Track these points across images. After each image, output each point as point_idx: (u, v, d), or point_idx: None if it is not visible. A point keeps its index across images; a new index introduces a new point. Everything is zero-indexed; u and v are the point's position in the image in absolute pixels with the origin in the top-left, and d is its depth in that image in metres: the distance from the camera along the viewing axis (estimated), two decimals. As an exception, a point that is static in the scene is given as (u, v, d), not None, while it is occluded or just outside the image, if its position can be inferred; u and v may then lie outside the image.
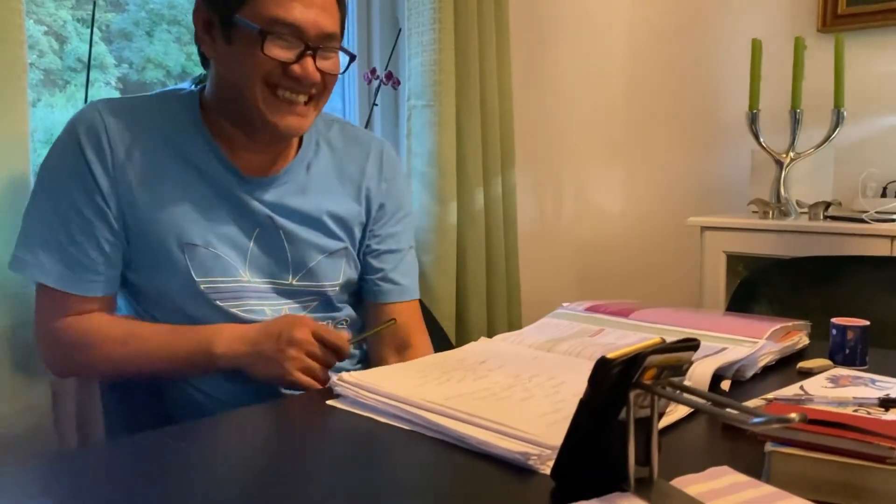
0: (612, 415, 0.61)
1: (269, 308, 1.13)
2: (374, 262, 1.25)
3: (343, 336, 1.06)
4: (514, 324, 2.16)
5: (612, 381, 0.59)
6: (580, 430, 0.62)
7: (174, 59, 2.48)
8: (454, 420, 0.76)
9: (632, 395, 0.60)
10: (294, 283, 1.15)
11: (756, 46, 1.94)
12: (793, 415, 0.49)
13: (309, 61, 1.03)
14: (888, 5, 2.05)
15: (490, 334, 2.06)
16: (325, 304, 1.20)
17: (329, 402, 0.86)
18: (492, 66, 2.01)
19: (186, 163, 1.09)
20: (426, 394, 0.82)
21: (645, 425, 0.62)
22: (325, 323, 1.18)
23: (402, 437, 0.77)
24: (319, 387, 1.00)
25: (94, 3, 1.49)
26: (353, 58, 1.11)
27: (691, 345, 0.62)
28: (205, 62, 1.14)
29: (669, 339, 0.87)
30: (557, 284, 2.53)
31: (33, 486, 0.68)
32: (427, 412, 0.78)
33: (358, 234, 1.22)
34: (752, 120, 1.97)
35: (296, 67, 1.03)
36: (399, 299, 1.26)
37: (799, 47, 1.90)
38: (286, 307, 1.15)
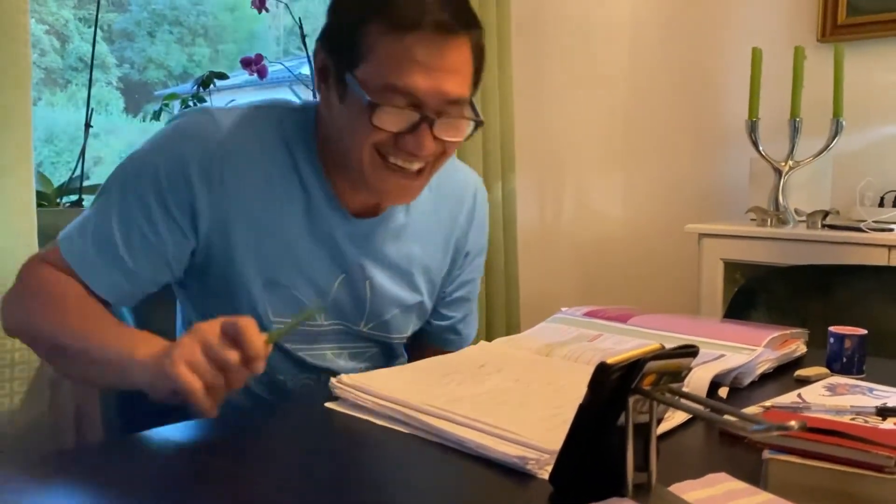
0: (611, 420, 0.61)
1: (330, 351, 1.07)
2: (445, 310, 1.20)
3: (258, 338, 0.79)
4: (512, 327, 2.16)
5: (612, 387, 0.60)
6: (579, 435, 0.62)
7: (175, 59, 2.48)
8: (453, 423, 0.76)
9: (631, 400, 0.60)
10: (364, 329, 1.09)
11: (756, 55, 1.95)
12: (792, 422, 0.49)
13: (425, 132, 0.90)
14: (888, 16, 2.06)
15: (489, 338, 2.06)
16: (387, 353, 1.14)
17: (327, 404, 0.86)
18: (493, 72, 2.02)
19: (294, 194, 1.00)
20: (425, 397, 0.82)
21: (644, 431, 0.62)
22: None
23: (400, 440, 0.77)
24: (201, 396, 0.76)
25: (98, 4, 1.50)
26: (480, 124, 0.97)
27: (690, 351, 0.62)
28: None
29: (668, 345, 0.88)
30: (556, 289, 2.53)
31: (31, 485, 0.68)
32: (426, 415, 0.78)
33: (438, 284, 1.16)
34: (752, 128, 1.98)
35: (409, 138, 0.91)
36: (457, 349, 1.20)
37: (799, 57, 1.91)
38: (347, 351, 1.09)
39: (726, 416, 0.56)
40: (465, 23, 0.91)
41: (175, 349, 0.77)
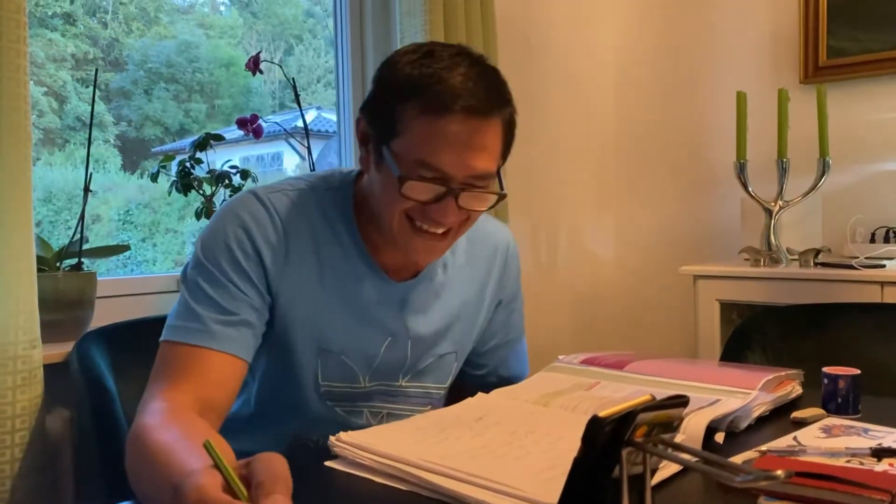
0: (605, 472, 0.62)
1: (369, 410, 1.11)
2: (481, 360, 1.25)
3: None
4: (511, 374, 2.16)
5: (605, 440, 0.61)
6: (575, 488, 0.63)
7: (172, 116, 2.52)
8: (452, 479, 0.77)
9: (624, 452, 0.61)
10: (403, 384, 1.13)
11: (741, 99, 1.99)
12: (778, 472, 0.51)
13: (450, 203, 0.97)
14: (866, 57, 2.12)
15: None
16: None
17: (327, 463, 0.87)
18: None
19: (340, 268, 1.06)
20: (424, 452, 0.83)
21: (638, 482, 0.63)
22: None
23: (400, 498, 0.78)
24: None
25: (97, 70, 1.54)
26: (503, 197, 1.02)
27: (681, 402, 0.63)
28: None
29: (664, 391, 0.89)
30: (553, 334, 2.54)
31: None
32: (425, 472, 0.79)
33: (473, 335, 1.20)
34: (740, 169, 2.01)
35: (434, 207, 0.97)
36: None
37: (782, 99, 1.96)
38: (385, 412, 1.13)
39: (716, 466, 0.57)
40: (497, 104, 0.97)
41: None
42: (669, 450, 0.62)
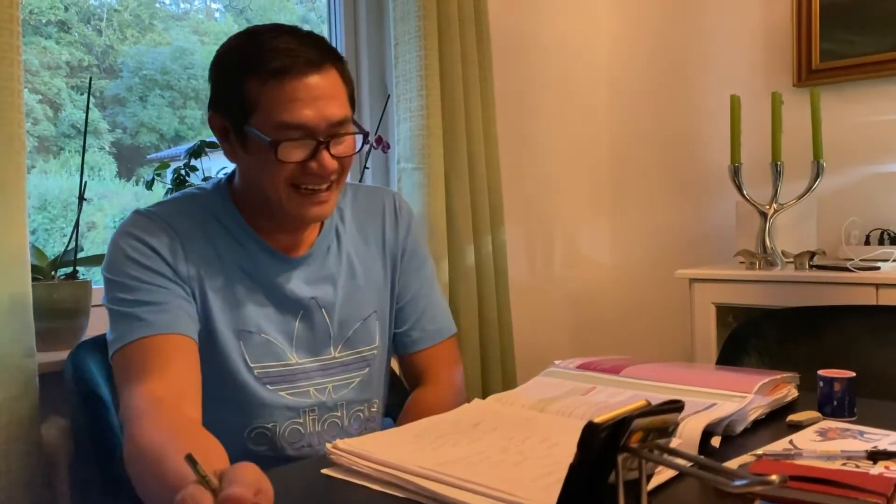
0: (601, 478, 0.62)
1: (314, 388, 1.15)
2: (401, 315, 1.28)
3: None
4: (508, 378, 2.16)
5: (601, 445, 0.61)
6: (571, 494, 0.63)
7: (167, 123, 2.52)
8: (449, 486, 0.77)
9: (620, 458, 0.61)
10: (336, 355, 1.18)
11: (735, 102, 2.00)
12: (773, 477, 0.51)
13: (324, 154, 1.04)
14: (860, 60, 2.13)
15: (485, 389, 2.06)
16: (365, 383, 1.21)
17: (324, 470, 0.87)
18: (478, 127, 2.05)
19: (236, 255, 1.12)
20: (421, 459, 0.83)
21: (634, 488, 0.63)
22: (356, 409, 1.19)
23: (397, 504, 0.78)
24: None
25: (91, 77, 1.54)
26: (366, 134, 1.12)
27: (675, 407, 0.63)
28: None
29: (659, 395, 0.89)
30: (550, 338, 2.54)
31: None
32: (421, 479, 0.79)
33: (387, 292, 1.25)
34: (735, 173, 2.01)
35: (312, 164, 1.04)
36: (431, 344, 1.30)
37: (776, 102, 1.96)
38: (330, 384, 1.17)
39: (710, 472, 0.57)
40: (330, 56, 1.06)
41: None
42: (665, 455, 0.62)
